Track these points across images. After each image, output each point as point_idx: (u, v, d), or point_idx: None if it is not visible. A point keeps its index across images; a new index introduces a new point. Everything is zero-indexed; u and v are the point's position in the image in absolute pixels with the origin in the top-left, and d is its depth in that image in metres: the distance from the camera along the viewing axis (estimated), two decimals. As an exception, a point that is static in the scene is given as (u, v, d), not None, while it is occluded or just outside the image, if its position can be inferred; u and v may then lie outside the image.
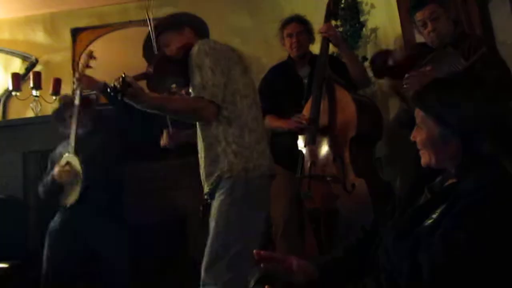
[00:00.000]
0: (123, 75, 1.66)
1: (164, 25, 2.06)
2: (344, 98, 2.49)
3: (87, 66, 2.76)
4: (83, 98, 2.80)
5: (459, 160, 1.14)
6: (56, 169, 2.75)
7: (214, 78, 1.78)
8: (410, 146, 1.27)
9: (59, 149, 2.92)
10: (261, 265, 1.20)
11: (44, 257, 2.75)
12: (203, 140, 1.88)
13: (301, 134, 2.60)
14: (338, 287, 1.25)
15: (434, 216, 1.10)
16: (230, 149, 1.79)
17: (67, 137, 2.84)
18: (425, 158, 1.21)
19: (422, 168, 1.24)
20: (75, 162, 2.77)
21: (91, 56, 2.78)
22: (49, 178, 2.81)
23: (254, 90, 1.97)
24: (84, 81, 2.77)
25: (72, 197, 2.78)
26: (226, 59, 1.84)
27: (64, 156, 2.80)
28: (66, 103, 2.97)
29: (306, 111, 2.58)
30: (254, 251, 1.22)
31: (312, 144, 2.52)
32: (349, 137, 2.42)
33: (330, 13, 2.67)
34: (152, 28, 2.07)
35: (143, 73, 1.90)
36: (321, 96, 2.54)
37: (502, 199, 1.03)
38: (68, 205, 2.79)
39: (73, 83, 3.40)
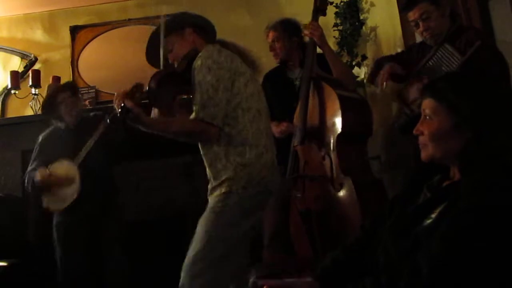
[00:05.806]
0: (123, 104, 1.64)
1: (164, 30, 1.97)
2: (330, 96, 2.46)
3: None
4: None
5: (465, 156, 1.11)
6: (41, 174, 2.70)
7: (215, 97, 1.73)
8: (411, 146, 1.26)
9: (51, 140, 2.86)
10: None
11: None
12: (204, 156, 1.86)
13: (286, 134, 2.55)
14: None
15: (433, 215, 1.09)
16: (230, 166, 1.76)
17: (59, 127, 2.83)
18: (428, 151, 1.18)
19: (421, 166, 1.22)
20: (74, 171, 2.72)
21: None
22: (32, 175, 2.74)
23: (260, 97, 1.90)
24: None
25: (59, 205, 2.75)
26: (231, 71, 1.78)
27: (60, 162, 2.76)
28: (54, 91, 2.88)
29: (298, 112, 2.55)
30: (262, 282, 1.19)
31: (301, 144, 2.50)
32: (336, 135, 2.40)
33: (317, 10, 2.62)
34: (156, 35, 1.96)
35: (145, 92, 1.78)
36: (308, 96, 2.52)
37: (503, 200, 1.01)
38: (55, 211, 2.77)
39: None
